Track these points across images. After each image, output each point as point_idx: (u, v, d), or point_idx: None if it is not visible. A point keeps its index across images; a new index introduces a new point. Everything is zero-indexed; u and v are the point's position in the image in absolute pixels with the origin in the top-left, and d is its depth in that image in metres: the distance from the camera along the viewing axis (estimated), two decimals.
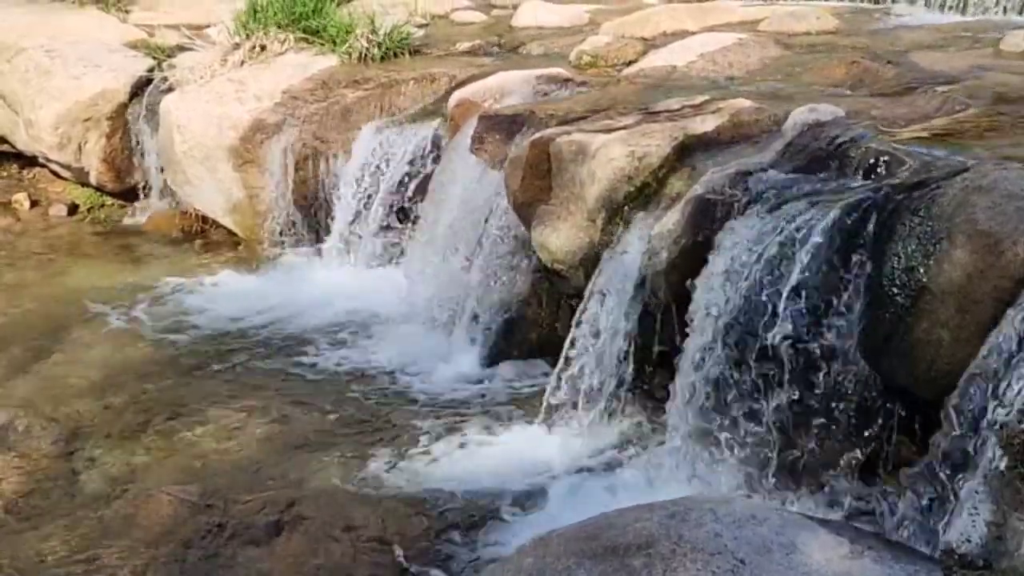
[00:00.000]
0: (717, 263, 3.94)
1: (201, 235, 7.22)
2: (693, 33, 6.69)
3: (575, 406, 4.54)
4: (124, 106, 7.43)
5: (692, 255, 4.08)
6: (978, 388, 3.07)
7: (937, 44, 6.18)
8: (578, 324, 4.54)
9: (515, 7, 8.29)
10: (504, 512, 4.03)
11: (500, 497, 4.11)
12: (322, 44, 7.17)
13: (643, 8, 7.74)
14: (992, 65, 5.46)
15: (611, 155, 4.52)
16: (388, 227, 6.12)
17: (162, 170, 7.30)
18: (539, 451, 4.46)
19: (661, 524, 2.71)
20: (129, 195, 7.73)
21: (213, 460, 4.45)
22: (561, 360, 4.58)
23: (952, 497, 3.07)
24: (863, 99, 4.91)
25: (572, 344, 4.56)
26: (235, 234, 7.06)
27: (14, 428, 4.65)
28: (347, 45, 6.99)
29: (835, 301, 3.63)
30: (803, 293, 3.69)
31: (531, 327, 5.22)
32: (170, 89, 7.18)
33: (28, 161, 8.01)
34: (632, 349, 4.45)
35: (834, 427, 3.73)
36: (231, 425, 4.71)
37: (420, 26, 7.74)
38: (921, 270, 3.33)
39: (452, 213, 5.51)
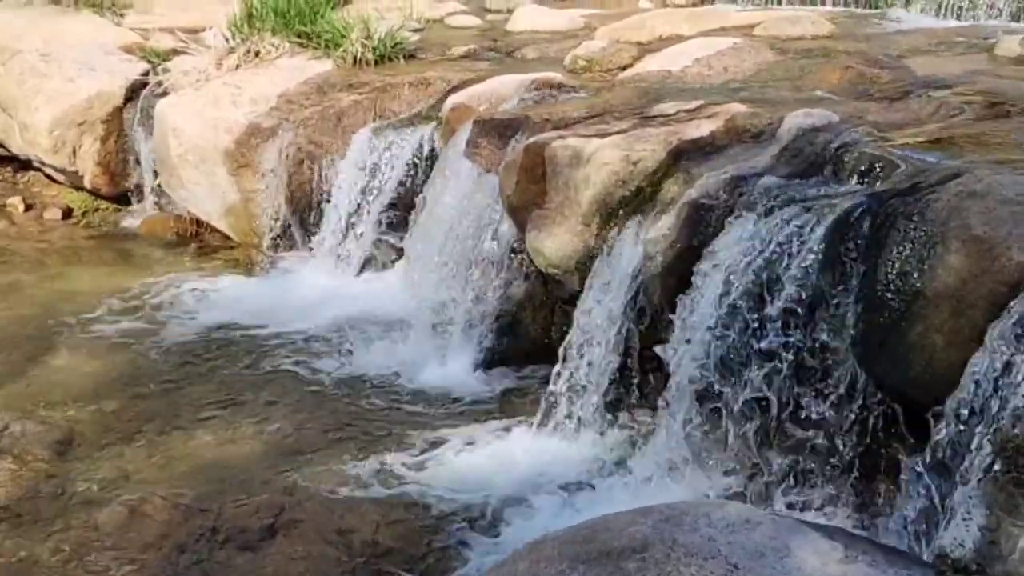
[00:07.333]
0: (712, 267, 3.95)
1: (196, 239, 7.21)
2: (688, 38, 6.71)
3: (570, 410, 4.54)
4: (119, 109, 7.44)
5: (687, 259, 4.08)
6: (972, 393, 3.07)
7: (932, 49, 6.20)
8: (573, 328, 4.55)
9: (510, 11, 8.31)
10: (498, 516, 4.03)
11: (494, 502, 4.11)
12: (317, 48, 7.18)
13: (638, 13, 7.75)
14: (986, 70, 5.48)
15: (606, 159, 4.53)
16: (383, 231, 6.12)
17: (157, 174, 7.30)
18: (534, 455, 4.45)
19: (655, 528, 2.71)
20: (124, 199, 7.73)
21: (206, 464, 4.44)
22: (557, 365, 4.58)
23: (946, 502, 3.07)
24: (858, 104, 4.92)
25: (567, 348, 4.56)
26: (230, 238, 7.05)
27: (8, 432, 4.64)
28: (342, 49, 7.00)
29: (830, 306, 3.63)
30: (798, 298, 3.69)
31: (526, 331, 5.22)
32: (165, 93, 7.18)
33: (23, 165, 8.01)
34: (627, 353, 4.45)
35: (828, 431, 3.73)
36: (224, 429, 4.70)
37: (415, 30, 7.75)
38: (915, 275, 3.32)
39: (447, 217, 5.51)
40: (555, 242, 4.67)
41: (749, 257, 3.82)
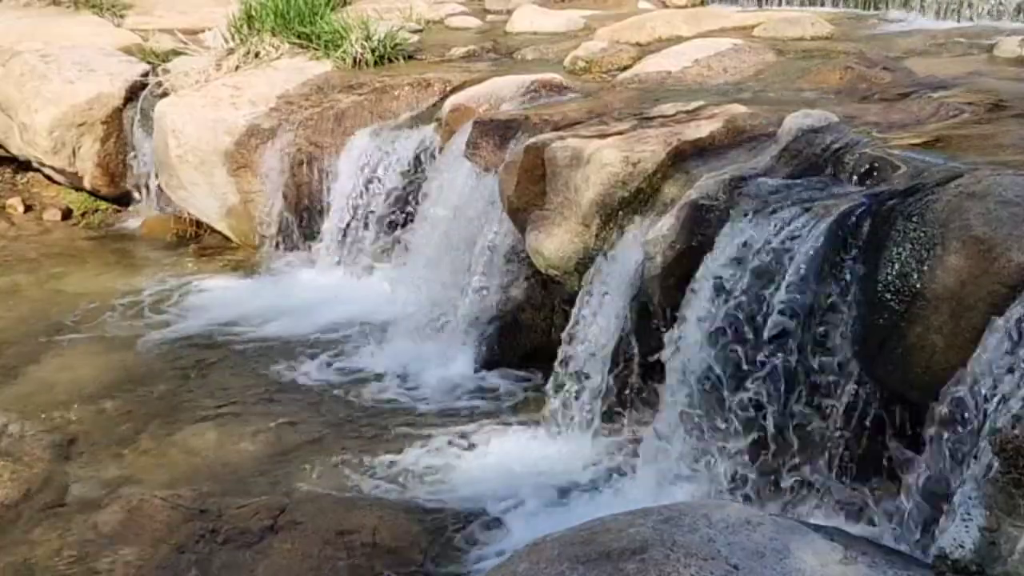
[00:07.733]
0: (710, 268, 3.95)
1: (195, 240, 7.21)
2: (688, 39, 6.71)
3: (569, 412, 4.54)
4: (119, 110, 7.44)
5: (686, 260, 4.08)
6: (971, 394, 3.07)
7: (931, 50, 6.20)
8: (572, 329, 4.54)
9: (510, 12, 8.31)
10: (497, 518, 4.03)
11: (493, 503, 4.11)
12: (316, 49, 7.18)
13: (638, 14, 7.75)
14: (986, 71, 5.48)
15: (606, 160, 4.52)
16: (382, 232, 6.11)
17: (157, 175, 7.30)
18: (533, 456, 4.45)
19: (655, 529, 2.71)
20: (123, 200, 7.73)
21: (206, 465, 4.44)
22: (556, 366, 4.58)
23: (945, 502, 3.07)
24: (857, 105, 4.92)
25: (567, 350, 4.56)
26: (229, 239, 7.06)
27: (7, 433, 4.65)
28: (342, 50, 7.01)
29: (829, 306, 3.63)
30: (797, 298, 3.69)
31: (526, 333, 5.22)
32: (165, 94, 7.18)
33: (22, 165, 8.01)
34: (626, 354, 4.45)
35: (828, 431, 3.73)
36: (224, 430, 4.70)
37: (414, 31, 7.75)
38: (915, 276, 3.33)
39: (446, 218, 5.51)
40: (555, 243, 4.66)
41: (749, 258, 3.82)
